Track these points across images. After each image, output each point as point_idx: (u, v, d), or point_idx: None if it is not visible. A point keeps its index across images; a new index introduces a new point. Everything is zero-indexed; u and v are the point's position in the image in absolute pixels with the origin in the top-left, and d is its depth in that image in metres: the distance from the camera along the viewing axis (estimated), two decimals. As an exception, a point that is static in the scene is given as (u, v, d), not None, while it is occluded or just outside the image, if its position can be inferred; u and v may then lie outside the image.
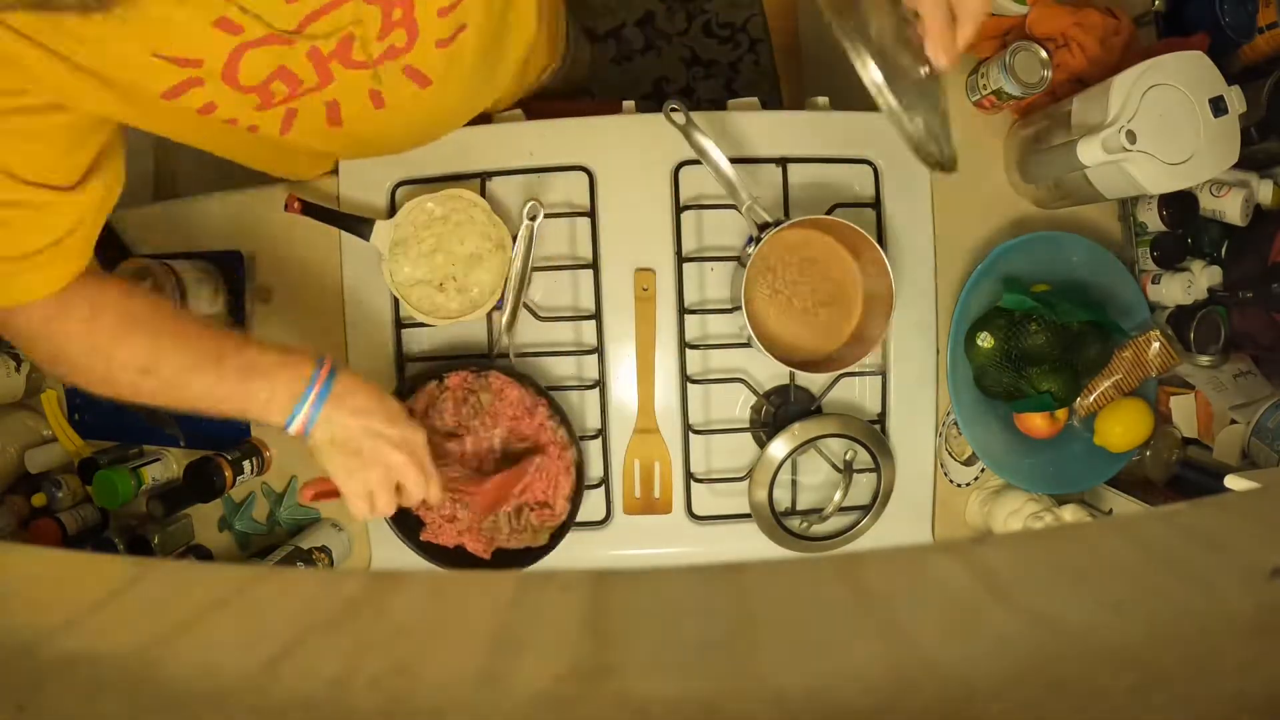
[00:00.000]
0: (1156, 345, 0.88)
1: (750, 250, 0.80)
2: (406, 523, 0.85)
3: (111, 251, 0.94)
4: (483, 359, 0.87)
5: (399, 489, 0.69)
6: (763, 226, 0.80)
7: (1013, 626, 0.19)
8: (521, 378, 0.84)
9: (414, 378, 0.86)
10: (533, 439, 0.84)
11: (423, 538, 0.86)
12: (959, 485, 0.93)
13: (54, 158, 0.57)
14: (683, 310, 0.88)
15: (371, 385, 0.68)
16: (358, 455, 0.66)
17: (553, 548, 0.86)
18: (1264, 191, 0.90)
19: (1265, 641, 0.17)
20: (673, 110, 0.80)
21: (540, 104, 0.84)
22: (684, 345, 0.89)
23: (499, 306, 0.86)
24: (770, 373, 0.90)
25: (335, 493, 0.69)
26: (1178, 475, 0.93)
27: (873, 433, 0.87)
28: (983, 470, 0.93)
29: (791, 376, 0.89)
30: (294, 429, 0.65)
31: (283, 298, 0.93)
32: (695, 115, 0.81)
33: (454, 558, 0.86)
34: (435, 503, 0.72)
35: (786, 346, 0.85)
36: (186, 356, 0.63)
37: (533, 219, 0.83)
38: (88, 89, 0.53)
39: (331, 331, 0.90)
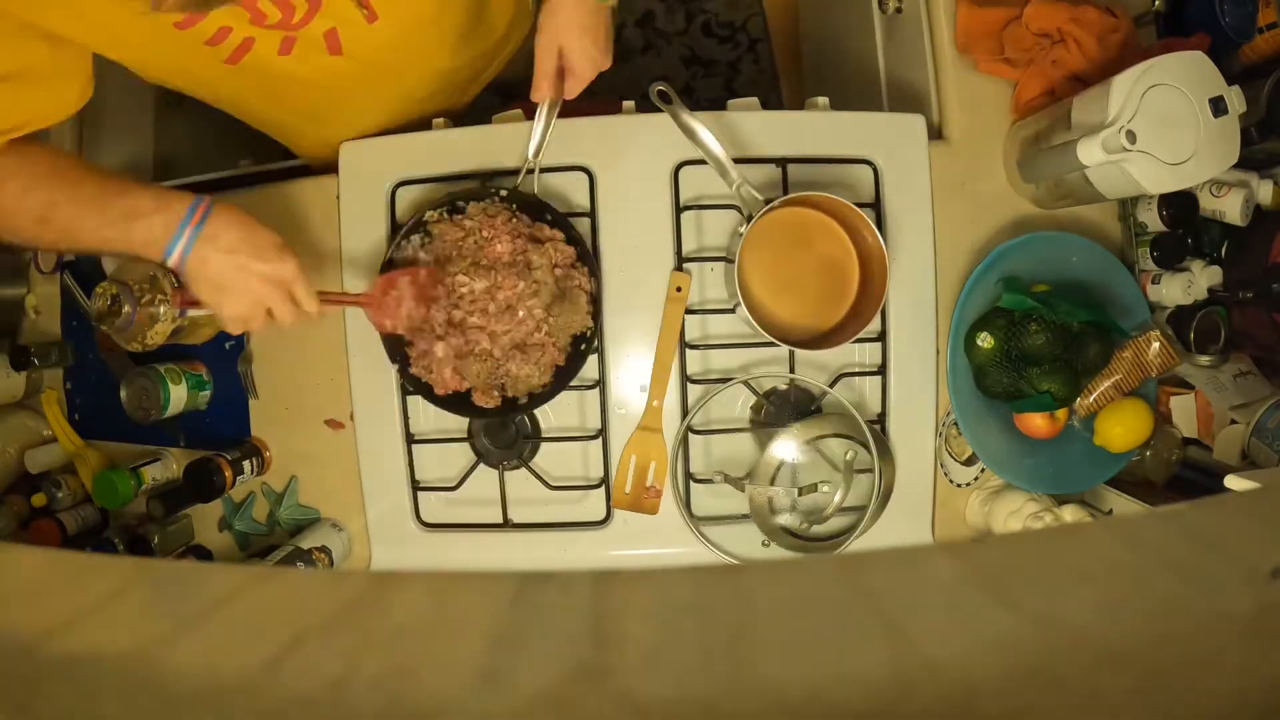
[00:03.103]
0: (1156, 345, 0.88)
1: (743, 230, 0.81)
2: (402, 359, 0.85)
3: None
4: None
5: (271, 313, 0.75)
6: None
7: (1013, 626, 0.19)
8: (540, 207, 0.84)
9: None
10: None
11: (412, 371, 0.84)
12: (959, 485, 0.93)
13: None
14: (684, 310, 0.88)
15: (244, 221, 0.73)
16: (224, 289, 0.73)
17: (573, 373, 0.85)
18: (1264, 191, 0.90)
19: (1265, 641, 0.17)
20: (659, 91, 0.81)
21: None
22: (684, 345, 0.89)
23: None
24: (770, 373, 0.90)
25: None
26: (1178, 475, 0.92)
27: (873, 433, 0.87)
28: (983, 470, 0.93)
29: (791, 379, 0.89)
30: (171, 263, 0.71)
31: (283, 298, 0.93)
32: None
33: (460, 406, 0.85)
34: (314, 314, 0.77)
35: (783, 326, 0.85)
36: (76, 205, 0.70)
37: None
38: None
39: (332, 330, 0.90)
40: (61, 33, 0.63)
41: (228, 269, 0.72)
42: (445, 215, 0.84)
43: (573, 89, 0.81)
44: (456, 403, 0.84)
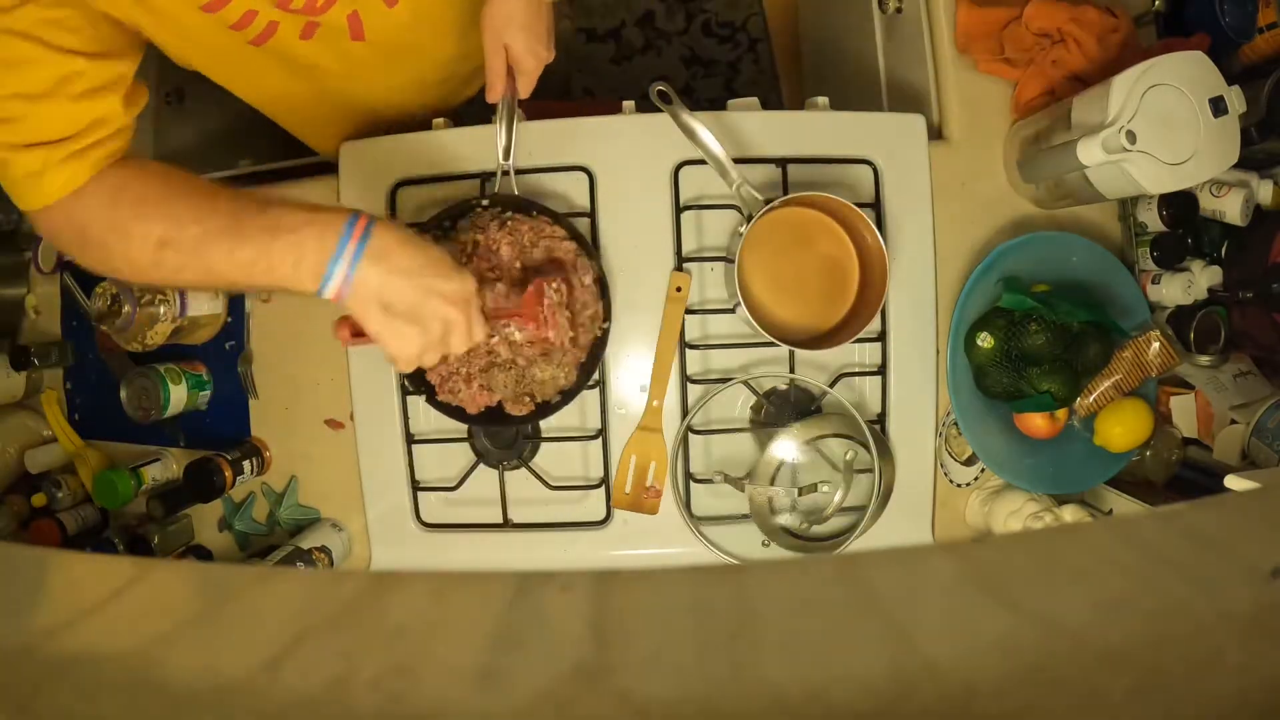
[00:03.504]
0: (1156, 345, 0.88)
1: (743, 230, 0.81)
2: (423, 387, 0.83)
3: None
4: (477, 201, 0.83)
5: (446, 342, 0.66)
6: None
7: (1013, 626, 0.19)
8: (527, 205, 0.82)
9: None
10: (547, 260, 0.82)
11: (440, 399, 0.82)
12: (959, 485, 0.93)
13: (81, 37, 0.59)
14: (683, 310, 0.88)
15: (413, 237, 0.64)
16: (414, 319, 0.62)
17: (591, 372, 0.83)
18: (1264, 191, 0.90)
19: (1265, 641, 0.17)
20: (659, 91, 0.81)
21: (540, 104, 0.84)
22: (684, 345, 0.89)
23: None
24: (770, 373, 0.90)
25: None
26: (1178, 475, 0.93)
27: (873, 433, 0.87)
28: (983, 470, 0.93)
29: (791, 379, 0.89)
30: (330, 293, 0.60)
31: (283, 298, 0.93)
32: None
33: (489, 418, 0.83)
34: (479, 344, 0.69)
35: (783, 326, 0.85)
36: (204, 224, 0.60)
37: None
38: None
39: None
40: (100, 6, 0.60)
41: (411, 293, 0.61)
42: (438, 237, 0.83)
43: (524, 87, 0.79)
44: (493, 418, 0.83)
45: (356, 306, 0.62)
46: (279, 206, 0.61)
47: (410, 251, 0.62)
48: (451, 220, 0.83)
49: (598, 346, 0.84)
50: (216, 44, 0.69)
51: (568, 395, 0.83)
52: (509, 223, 0.82)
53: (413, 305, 0.62)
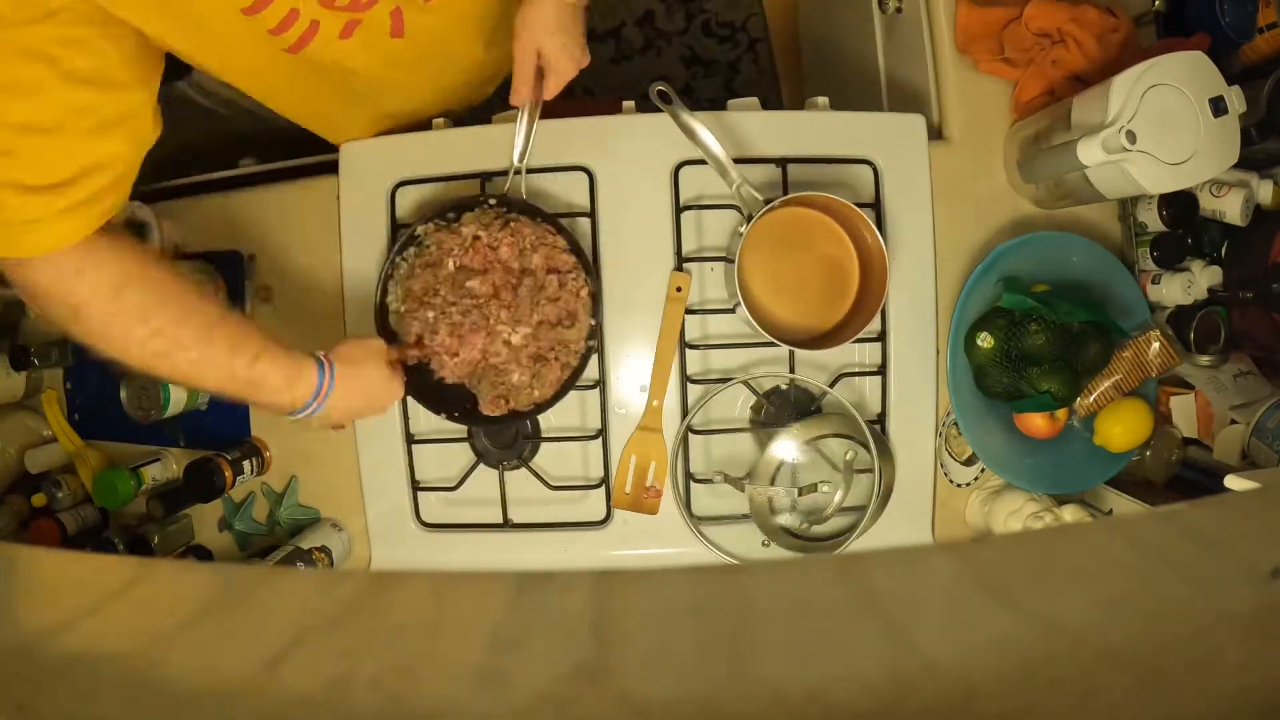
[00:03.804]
0: (1156, 345, 0.88)
1: (743, 230, 0.81)
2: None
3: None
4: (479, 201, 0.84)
5: None
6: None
7: (1013, 626, 0.19)
8: (533, 210, 0.83)
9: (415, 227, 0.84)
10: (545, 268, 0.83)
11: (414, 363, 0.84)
12: (959, 485, 0.93)
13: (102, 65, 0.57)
14: (683, 310, 0.88)
15: (359, 380, 0.76)
16: (353, 418, 0.83)
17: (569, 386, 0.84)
18: (1264, 191, 0.90)
19: (1265, 641, 0.17)
20: (659, 91, 0.81)
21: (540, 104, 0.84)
22: (684, 345, 0.89)
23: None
24: (770, 373, 0.90)
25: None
26: (1178, 475, 0.93)
27: (873, 433, 0.87)
28: (983, 470, 0.93)
29: (791, 379, 0.89)
30: (300, 419, 0.75)
31: (283, 298, 0.93)
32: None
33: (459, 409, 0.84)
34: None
35: (783, 326, 0.85)
36: (201, 351, 0.67)
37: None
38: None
39: (332, 331, 0.90)
40: (131, 20, 0.57)
41: (355, 411, 0.80)
42: (440, 226, 0.83)
43: (553, 88, 0.80)
44: (465, 415, 0.84)
45: (316, 420, 0.77)
46: (266, 362, 0.70)
47: (354, 400, 0.77)
48: (456, 212, 0.83)
49: (580, 363, 0.83)
50: (250, 50, 0.67)
51: (541, 407, 0.84)
52: (512, 223, 0.82)
53: (355, 414, 0.81)
